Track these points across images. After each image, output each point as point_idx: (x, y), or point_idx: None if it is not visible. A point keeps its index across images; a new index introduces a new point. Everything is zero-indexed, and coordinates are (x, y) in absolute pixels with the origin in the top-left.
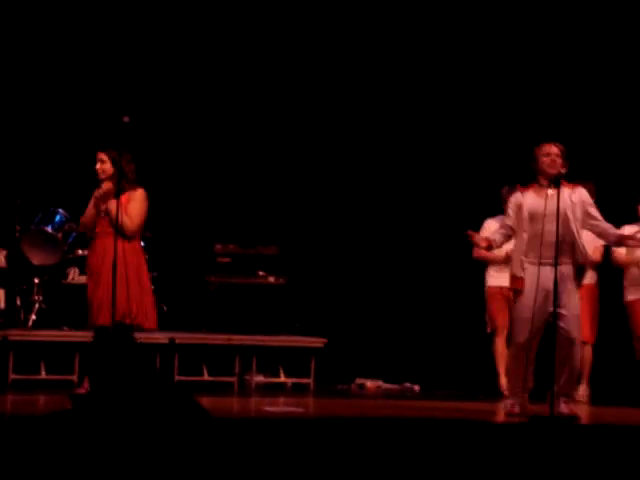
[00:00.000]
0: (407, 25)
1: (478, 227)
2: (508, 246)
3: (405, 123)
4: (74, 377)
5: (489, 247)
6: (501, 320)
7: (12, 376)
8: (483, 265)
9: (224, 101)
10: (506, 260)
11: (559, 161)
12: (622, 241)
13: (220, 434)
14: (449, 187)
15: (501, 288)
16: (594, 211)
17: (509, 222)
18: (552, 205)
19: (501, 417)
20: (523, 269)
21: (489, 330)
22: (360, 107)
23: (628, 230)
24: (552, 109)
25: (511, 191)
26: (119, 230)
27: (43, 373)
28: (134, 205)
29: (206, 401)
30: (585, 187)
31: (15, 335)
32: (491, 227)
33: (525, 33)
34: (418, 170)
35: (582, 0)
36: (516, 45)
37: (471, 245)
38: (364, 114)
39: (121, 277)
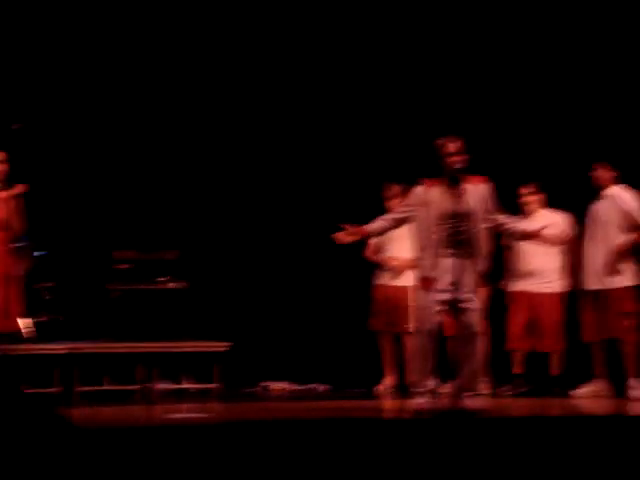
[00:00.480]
0: None
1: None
2: (400, 253)
3: (293, 129)
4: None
5: (366, 237)
6: (381, 319)
7: None
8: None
9: (115, 104)
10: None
11: (460, 158)
12: (527, 237)
13: (90, 443)
14: (339, 189)
15: (384, 286)
16: (494, 206)
17: (404, 214)
18: (458, 204)
19: (409, 414)
20: (433, 269)
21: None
22: (250, 113)
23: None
24: (449, 101)
25: (388, 188)
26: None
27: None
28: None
29: (108, 411)
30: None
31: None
32: None
33: (424, 29)
34: (311, 174)
35: None
36: (407, 40)
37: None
38: (256, 120)
39: None
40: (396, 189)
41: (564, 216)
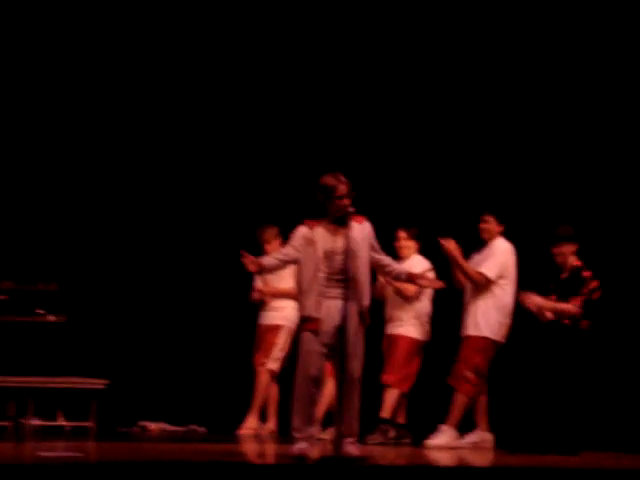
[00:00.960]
0: None
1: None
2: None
3: (177, 164)
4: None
5: (259, 271)
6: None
7: None
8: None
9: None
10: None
11: (349, 201)
12: (413, 279)
13: None
14: (220, 223)
15: (259, 325)
16: (378, 247)
17: (290, 257)
18: (343, 244)
19: (289, 460)
20: (317, 309)
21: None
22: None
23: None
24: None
25: (264, 231)
26: None
27: None
28: None
29: None
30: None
31: None
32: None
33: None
34: (189, 206)
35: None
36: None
37: (248, 283)
38: (131, 150)
39: None
40: (273, 231)
41: (428, 264)
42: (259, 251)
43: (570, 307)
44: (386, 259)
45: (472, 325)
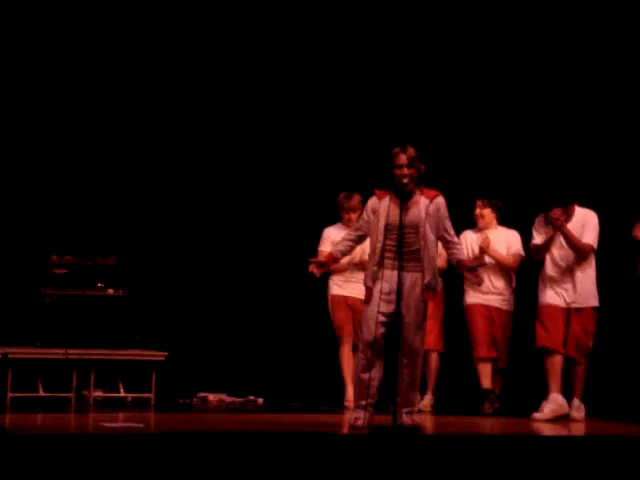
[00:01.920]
0: None
1: (317, 234)
2: (347, 257)
3: (237, 133)
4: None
5: (334, 261)
6: (347, 329)
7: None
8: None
9: (61, 106)
10: (348, 268)
11: (409, 171)
12: (460, 269)
13: (23, 451)
14: (288, 193)
15: (345, 297)
16: (448, 225)
17: (362, 230)
18: (407, 216)
19: (344, 429)
20: (374, 279)
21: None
22: (195, 119)
23: (469, 235)
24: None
25: (349, 198)
26: None
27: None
28: None
29: (42, 418)
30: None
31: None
32: (330, 235)
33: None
34: (257, 178)
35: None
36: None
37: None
38: (198, 125)
39: None
40: (356, 199)
41: (515, 234)
42: (319, 220)
43: None
44: (450, 240)
45: (585, 298)
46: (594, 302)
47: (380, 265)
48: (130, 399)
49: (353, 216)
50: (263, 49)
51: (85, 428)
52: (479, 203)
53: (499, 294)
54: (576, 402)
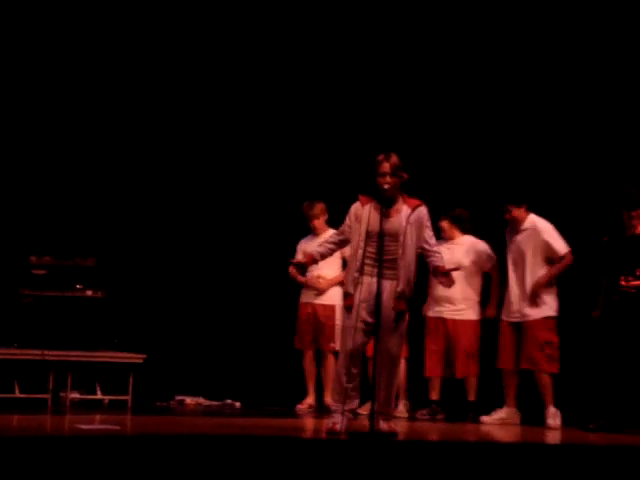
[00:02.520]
0: None
1: (298, 238)
2: (319, 271)
3: (225, 137)
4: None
5: (313, 261)
6: (306, 342)
7: None
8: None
9: (40, 108)
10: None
11: (392, 180)
12: (436, 274)
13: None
14: (270, 197)
15: (311, 304)
16: (429, 235)
17: (344, 234)
18: (387, 224)
19: (321, 434)
20: (355, 285)
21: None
22: (172, 118)
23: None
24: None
25: (311, 205)
26: None
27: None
28: None
29: (18, 419)
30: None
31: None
32: (302, 247)
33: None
34: (237, 183)
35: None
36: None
37: (287, 263)
38: (177, 125)
39: None
40: (321, 207)
41: (484, 245)
42: (305, 226)
43: None
44: (429, 249)
45: (536, 308)
46: (547, 312)
47: (360, 272)
48: (107, 401)
49: (316, 222)
50: (251, 55)
51: (61, 430)
52: (442, 215)
53: (454, 305)
54: (551, 409)
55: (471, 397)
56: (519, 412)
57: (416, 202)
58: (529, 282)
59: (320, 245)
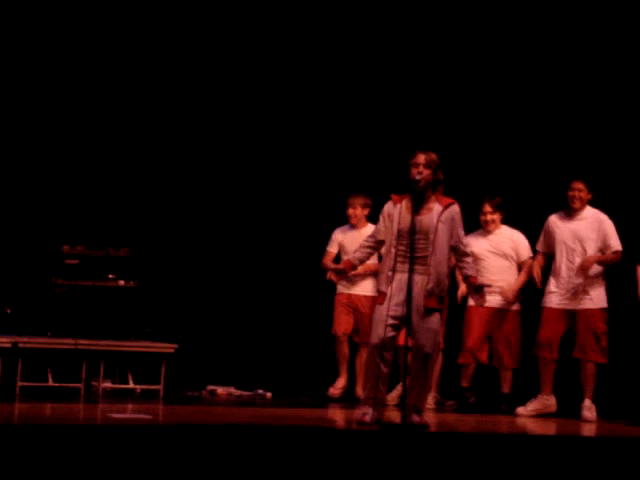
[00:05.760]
0: None
1: (327, 231)
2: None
3: (252, 128)
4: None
5: (352, 268)
6: (342, 328)
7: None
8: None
9: (74, 99)
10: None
11: (425, 172)
12: (467, 284)
13: (31, 440)
14: (302, 190)
15: (349, 295)
16: (461, 234)
17: (380, 235)
18: (418, 222)
19: (352, 425)
20: (387, 283)
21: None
22: (210, 111)
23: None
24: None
25: (356, 196)
26: None
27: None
28: None
29: (51, 407)
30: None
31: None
32: (337, 237)
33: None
34: (270, 172)
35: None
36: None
37: (322, 252)
38: (210, 118)
39: None
40: (363, 200)
41: (520, 235)
42: (339, 216)
43: None
44: (463, 250)
45: (594, 298)
46: (602, 304)
47: (393, 270)
48: (139, 390)
49: (352, 212)
50: (280, 51)
51: (93, 419)
52: (488, 208)
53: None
54: (587, 402)
55: (505, 389)
56: (555, 397)
57: (448, 200)
58: (583, 271)
59: (357, 251)
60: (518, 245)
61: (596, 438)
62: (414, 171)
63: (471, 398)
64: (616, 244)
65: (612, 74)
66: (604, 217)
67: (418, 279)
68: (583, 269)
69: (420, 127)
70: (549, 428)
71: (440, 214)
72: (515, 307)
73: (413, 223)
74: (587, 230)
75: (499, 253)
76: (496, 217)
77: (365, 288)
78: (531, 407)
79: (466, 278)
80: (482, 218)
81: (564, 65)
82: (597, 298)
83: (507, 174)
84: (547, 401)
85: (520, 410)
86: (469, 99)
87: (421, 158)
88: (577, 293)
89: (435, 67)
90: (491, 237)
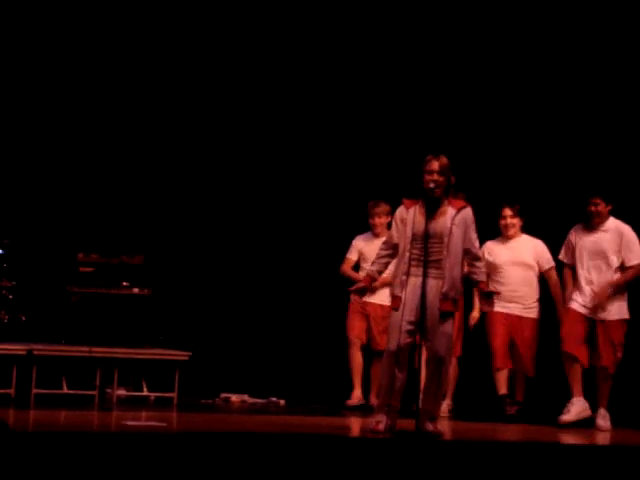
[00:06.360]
0: None
1: (343, 239)
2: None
3: (268, 134)
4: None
5: (372, 281)
6: (356, 332)
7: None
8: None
9: (88, 106)
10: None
11: (440, 179)
12: (478, 291)
13: (46, 447)
14: (318, 199)
15: (363, 303)
16: (474, 237)
17: (394, 241)
18: (432, 226)
19: (365, 433)
20: (402, 287)
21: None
22: (220, 118)
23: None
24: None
25: (376, 205)
26: None
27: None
28: None
29: (65, 415)
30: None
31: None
32: (359, 244)
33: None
34: (283, 180)
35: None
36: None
37: (339, 259)
38: (227, 125)
39: None
40: (385, 208)
41: (541, 244)
42: (360, 223)
43: None
44: (475, 253)
45: (615, 309)
46: (622, 315)
47: (407, 274)
48: (153, 398)
49: (378, 221)
50: (290, 53)
51: (108, 426)
52: (508, 212)
53: (521, 302)
54: (602, 411)
55: (519, 396)
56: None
57: (461, 203)
58: (597, 281)
59: (374, 263)
60: (540, 254)
61: (611, 447)
62: (428, 179)
63: (512, 406)
64: (633, 258)
65: (633, 83)
66: (626, 229)
67: (432, 283)
68: (599, 299)
69: (432, 131)
70: (564, 437)
71: (454, 217)
72: (534, 315)
73: (427, 227)
74: (609, 242)
75: (520, 263)
76: (516, 222)
77: (380, 297)
78: (573, 412)
79: (476, 284)
80: (502, 223)
81: (586, 73)
82: (618, 309)
83: (526, 183)
84: (584, 404)
85: (564, 418)
86: (486, 105)
87: (435, 165)
88: (597, 308)
89: (447, 70)
90: (512, 245)
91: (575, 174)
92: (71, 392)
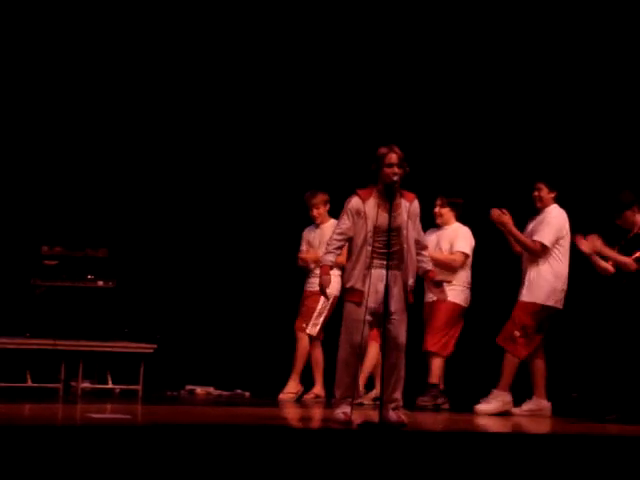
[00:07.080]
0: None
1: (301, 228)
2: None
3: (229, 128)
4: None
5: (330, 269)
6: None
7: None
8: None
9: (51, 100)
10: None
11: (399, 170)
12: (426, 279)
13: (9, 441)
14: (278, 188)
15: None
16: (420, 228)
17: (348, 233)
18: (394, 219)
19: (331, 424)
20: (364, 282)
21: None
22: (183, 109)
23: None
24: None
25: (313, 196)
26: None
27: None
28: None
29: (29, 408)
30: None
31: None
32: (305, 236)
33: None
34: (246, 173)
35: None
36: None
37: (295, 251)
38: (187, 116)
39: None
40: (323, 197)
41: (466, 231)
42: (306, 216)
43: (628, 260)
44: (423, 243)
45: (525, 291)
46: (528, 297)
47: (369, 267)
48: (118, 391)
49: (316, 212)
50: (254, 52)
51: (73, 419)
52: (438, 202)
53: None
54: (495, 392)
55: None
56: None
57: (412, 195)
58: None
59: (328, 253)
60: (455, 239)
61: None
62: (389, 172)
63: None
64: (538, 236)
65: (576, 71)
66: (555, 212)
67: (396, 275)
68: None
69: (373, 122)
70: (513, 426)
71: (408, 209)
72: (452, 299)
73: (391, 220)
74: (535, 227)
75: (438, 248)
76: (445, 212)
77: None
78: (525, 407)
79: (425, 274)
80: (434, 211)
81: (531, 63)
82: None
83: (472, 175)
84: (541, 403)
85: (515, 410)
86: (429, 96)
87: (394, 158)
88: None
89: (395, 62)
90: (439, 232)
91: (520, 164)
92: (35, 385)
